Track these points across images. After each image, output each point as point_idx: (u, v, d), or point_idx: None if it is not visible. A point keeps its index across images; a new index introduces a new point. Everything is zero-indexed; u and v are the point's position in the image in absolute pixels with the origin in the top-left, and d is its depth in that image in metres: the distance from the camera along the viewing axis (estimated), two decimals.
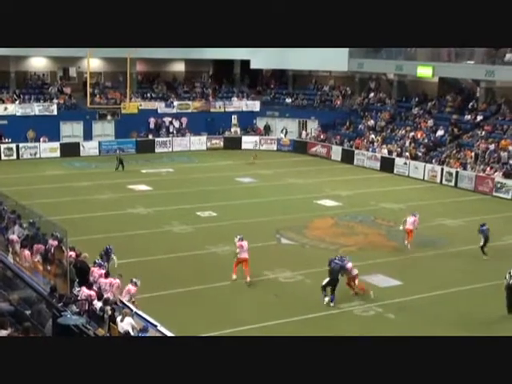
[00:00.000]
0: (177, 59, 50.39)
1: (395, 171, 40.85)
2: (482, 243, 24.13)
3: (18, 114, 43.78)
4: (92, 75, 45.47)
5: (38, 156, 42.98)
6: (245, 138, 48.91)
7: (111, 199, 32.38)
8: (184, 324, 17.19)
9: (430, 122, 43.93)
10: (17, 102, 44.40)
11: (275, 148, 48.47)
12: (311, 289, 19.99)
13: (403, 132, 44.07)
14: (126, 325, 14.30)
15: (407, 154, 41.09)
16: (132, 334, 13.93)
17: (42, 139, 43.41)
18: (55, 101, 45.47)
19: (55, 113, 44.88)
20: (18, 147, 42.50)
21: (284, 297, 20.21)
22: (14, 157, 42.37)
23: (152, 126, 47.56)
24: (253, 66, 49.67)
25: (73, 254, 17.89)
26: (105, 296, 15.86)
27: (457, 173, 37.49)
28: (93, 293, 15.81)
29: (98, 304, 15.30)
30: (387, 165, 41.38)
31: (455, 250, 25.25)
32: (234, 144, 48.28)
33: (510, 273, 19.02)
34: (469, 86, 45.73)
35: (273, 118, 50.44)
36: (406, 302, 20.04)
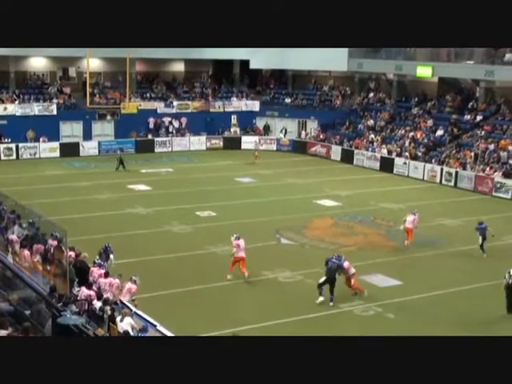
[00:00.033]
0: (176, 59, 50.39)
1: (395, 171, 40.86)
2: (480, 241, 24.22)
3: (17, 113, 43.78)
4: (91, 75, 45.47)
5: (37, 156, 42.98)
6: (244, 138, 48.89)
7: (111, 199, 32.38)
8: (183, 324, 17.20)
9: (430, 122, 43.95)
10: (16, 101, 44.40)
11: (275, 148, 48.47)
12: (311, 289, 19.98)
13: (403, 132, 44.08)
14: (125, 325, 14.30)
15: (407, 153, 41.10)
16: (131, 333, 13.93)
17: (41, 139, 43.41)
18: (55, 101, 45.47)
19: (55, 113, 44.88)
20: (17, 147, 42.50)
21: (284, 297, 20.21)
22: (14, 157, 42.38)
23: (151, 125, 47.57)
24: (252, 65, 49.68)
25: (72, 253, 17.89)
26: (104, 296, 15.87)
27: (456, 173, 37.50)
28: (92, 293, 15.81)
29: (97, 304, 15.31)
30: (387, 165, 41.39)
31: (455, 250, 25.26)
32: (233, 144, 48.29)
33: (509, 272, 19.02)
34: (468, 85, 45.74)
35: (272, 118, 50.44)
36: (406, 302, 20.05)
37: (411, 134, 43.29)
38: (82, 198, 32.02)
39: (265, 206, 31.77)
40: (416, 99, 46.65)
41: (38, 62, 47.28)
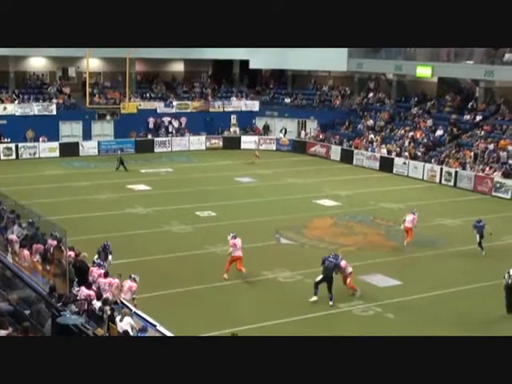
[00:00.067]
0: (176, 59, 50.38)
1: (394, 171, 40.87)
2: (478, 239, 24.32)
3: (17, 113, 43.78)
4: (91, 75, 45.46)
5: (37, 156, 42.98)
6: (244, 138, 48.91)
7: (110, 199, 32.38)
8: (183, 324, 17.20)
9: (429, 122, 43.95)
10: (16, 101, 44.39)
11: (274, 148, 48.49)
12: (310, 289, 19.95)
13: (402, 132, 44.09)
14: (125, 325, 14.30)
15: (406, 153, 41.11)
16: (131, 333, 13.93)
17: (41, 139, 43.41)
18: (54, 101, 45.46)
19: (54, 113, 44.88)
20: (17, 147, 42.51)
21: (283, 297, 20.22)
22: (14, 157, 42.38)
23: (151, 125, 47.57)
24: (252, 65, 49.68)
25: (72, 253, 17.90)
26: (104, 296, 15.88)
27: (456, 173, 37.51)
28: (92, 292, 15.81)
29: (97, 304, 15.31)
30: (386, 164, 41.40)
31: (454, 250, 25.27)
32: (233, 144, 48.29)
33: (508, 272, 19.03)
34: (468, 85, 45.75)
35: (272, 118, 50.45)
36: (406, 302, 20.05)
37: (411, 133, 43.30)
38: (81, 198, 32.03)
39: (264, 205, 31.77)
40: (416, 99, 46.66)
41: (37, 61, 47.28)
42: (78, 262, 17.76)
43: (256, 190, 35.39)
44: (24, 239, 19.04)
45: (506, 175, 35.57)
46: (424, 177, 39.14)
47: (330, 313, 19.10)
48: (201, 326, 17.16)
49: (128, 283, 17.12)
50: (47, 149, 43.37)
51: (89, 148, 44.70)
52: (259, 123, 50.38)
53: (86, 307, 14.80)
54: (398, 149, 41.95)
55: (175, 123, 48.21)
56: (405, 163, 40.60)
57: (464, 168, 37.69)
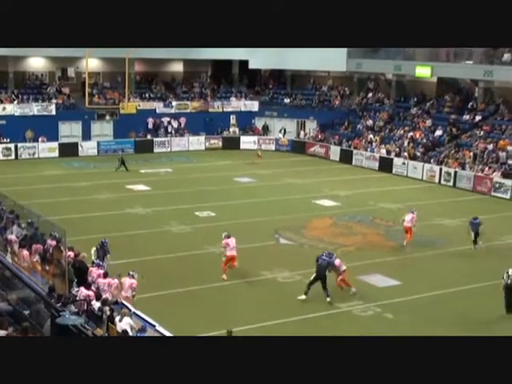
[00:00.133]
0: (175, 59, 50.38)
1: (394, 171, 40.88)
2: (472, 237, 24.48)
3: (16, 113, 43.78)
4: (90, 75, 45.40)
5: (36, 156, 42.97)
6: (243, 138, 48.93)
7: (110, 199, 32.38)
8: (183, 324, 17.20)
9: (429, 122, 43.97)
10: (15, 101, 44.39)
11: (274, 148, 48.50)
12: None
13: (402, 132, 44.10)
14: (124, 325, 14.30)
15: (406, 153, 41.13)
16: (130, 333, 13.92)
17: (40, 139, 43.40)
18: (54, 101, 45.47)
19: (54, 113, 44.88)
20: (16, 147, 42.52)
21: (283, 297, 20.22)
22: (13, 157, 42.39)
23: (150, 126, 47.57)
24: (251, 66, 49.70)
25: (71, 253, 17.90)
26: (103, 296, 15.88)
27: (455, 173, 37.52)
28: (91, 293, 15.81)
29: (96, 304, 15.31)
30: (386, 165, 41.42)
31: (454, 250, 25.27)
32: (232, 144, 48.30)
33: (507, 273, 19.05)
34: (467, 85, 45.77)
35: (271, 118, 50.47)
36: (405, 302, 20.05)
37: (410, 134, 43.31)
38: (80, 198, 32.02)
39: (264, 206, 31.77)
40: (415, 99, 46.68)
41: (36, 62, 47.27)
42: (77, 262, 17.76)
43: (255, 190, 35.39)
44: (23, 239, 19.04)
45: (505, 175, 35.59)
46: (423, 177, 39.15)
47: (330, 313, 19.11)
48: (200, 326, 17.16)
49: (128, 280, 17.24)
50: (46, 149, 43.37)
51: (88, 148, 44.70)
52: (258, 123, 50.39)
53: (85, 307, 14.80)
54: (398, 149, 41.97)
55: (174, 123, 48.21)
56: (404, 163, 40.61)
57: (463, 168, 37.71)
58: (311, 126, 49.46)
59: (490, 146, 38.32)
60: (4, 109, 43.42)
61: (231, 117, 49.91)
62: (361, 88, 50.59)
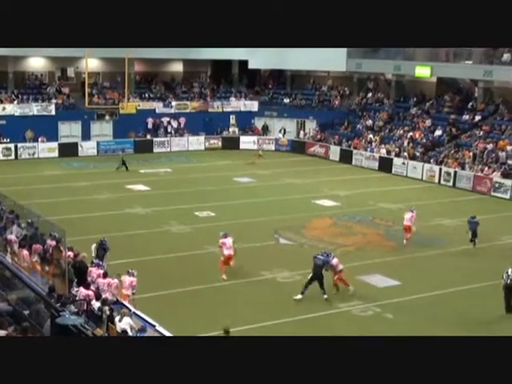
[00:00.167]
0: (175, 59, 50.38)
1: (393, 171, 40.88)
2: (470, 236, 24.60)
3: (16, 114, 43.77)
4: (90, 75, 45.38)
5: (36, 156, 42.96)
6: (243, 138, 48.93)
7: (109, 199, 32.38)
8: (182, 324, 17.19)
9: (428, 122, 43.97)
10: (15, 102, 44.38)
11: (273, 148, 48.49)
12: (310, 289, 19.96)
13: (401, 132, 44.10)
14: (124, 325, 14.31)
15: (405, 153, 41.13)
16: (130, 333, 13.92)
17: (40, 139, 43.39)
18: (53, 101, 45.45)
19: (53, 113, 44.87)
20: (16, 147, 42.51)
21: (282, 297, 20.22)
22: (13, 157, 42.38)
23: (150, 126, 47.56)
24: (251, 66, 49.69)
25: (71, 253, 17.90)
26: (103, 296, 15.88)
27: (455, 173, 37.52)
28: (91, 293, 15.81)
29: (96, 304, 15.31)
30: (385, 165, 41.42)
31: (453, 250, 25.27)
32: (232, 144, 48.29)
33: (507, 273, 19.06)
34: (467, 86, 45.76)
35: (271, 118, 50.46)
36: (405, 302, 20.05)
37: (410, 134, 43.31)
38: (80, 198, 32.02)
39: (263, 205, 31.77)
40: (414, 99, 46.68)
41: (36, 62, 47.26)
42: (77, 262, 17.77)
43: (255, 190, 35.39)
44: (23, 239, 19.04)
45: (504, 175, 35.59)
46: (423, 177, 39.15)
47: (329, 313, 19.11)
48: (200, 326, 17.15)
49: (127, 278, 17.29)
50: (46, 149, 43.36)
51: (88, 148, 44.69)
52: (258, 123, 50.38)
53: (85, 307, 14.80)
54: (397, 149, 41.97)
55: (174, 123, 48.21)
56: (404, 163, 40.61)
57: (463, 168, 37.71)
58: (311, 125, 49.46)
59: (490, 146, 38.32)
60: (4, 109, 43.41)
61: (231, 117, 49.91)
62: (360, 88, 50.59)
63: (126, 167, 39.13)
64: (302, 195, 33.92)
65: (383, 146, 42.96)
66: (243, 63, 49.90)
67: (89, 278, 17.20)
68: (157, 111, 48.04)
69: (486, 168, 36.67)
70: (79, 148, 44.42)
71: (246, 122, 50.16)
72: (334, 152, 45.19)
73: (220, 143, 48.60)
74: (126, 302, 16.64)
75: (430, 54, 43.48)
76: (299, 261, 23.31)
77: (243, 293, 20.59)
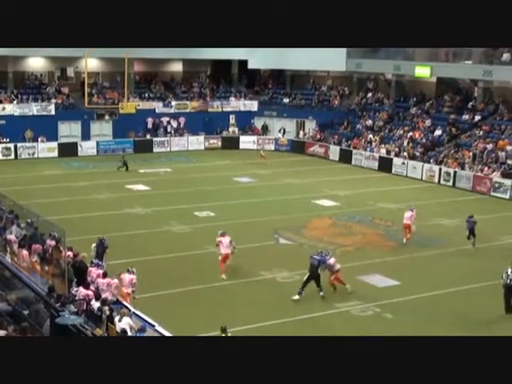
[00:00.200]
0: (175, 59, 50.37)
1: (393, 171, 40.88)
2: (467, 233, 24.68)
3: (15, 113, 43.75)
4: (90, 75, 45.38)
5: (35, 156, 42.95)
6: (243, 138, 48.92)
7: (109, 199, 32.37)
8: (182, 324, 17.19)
9: (428, 122, 43.96)
10: (15, 101, 44.37)
11: (273, 148, 48.48)
12: (309, 289, 19.97)
13: (401, 132, 44.10)
14: (124, 325, 14.31)
15: (405, 153, 41.12)
16: (129, 333, 13.92)
17: (39, 139, 43.39)
18: (53, 101, 45.44)
19: (53, 113, 44.85)
20: (15, 147, 42.51)
21: (282, 297, 20.21)
22: (12, 157, 42.37)
23: (150, 125, 47.56)
24: (250, 65, 49.68)
25: (71, 253, 17.89)
26: (103, 296, 15.87)
27: (455, 173, 37.52)
28: (90, 293, 15.81)
29: (95, 304, 15.31)
30: (385, 165, 41.41)
31: (453, 250, 25.27)
32: (231, 144, 48.29)
33: (506, 272, 19.06)
34: (467, 85, 45.77)
35: (271, 118, 50.45)
36: (404, 302, 20.05)
37: (409, 133, 43.31)
38: (80, 198, 32.01)
39: (263, 205, 31.76)
40: (414, 99, 46.69)
41: (36, 62, 47.25)
42: (76, 262, 17.76)
43: (255, 190, 35.38)
44: (23, 239, 19.03)
45: (504, 175, 35.58)
46: (423, 177, 39.15)
47: (329, 313, 19.11)
48: (200, 326, 17.15)
49: (127, 276, 17.33)
50: (46, 149, 43.35)
51: (87, 148, 44.69)
52: (258, 123, 50.38)
53: (84, 307, 14.80)
54: (397, 149, 41.97)
55: (174, 123, 48.20)
56: (403, 163, 40.61)
57: (463, 168, 37.71)
58: (310, 125, 49.45)
59: (490, 146, 38.32)
60: (3, 109, 43.40)
61: (230, 117, 49.90)
62: (360, 88, 50.58)
63: (127, 167, 39.15)
64: (302, 195, 33.91)
65: (383, 145, 42.96)
66: (243, 63, 49.89)
67: (88, 278, 17.20)
68: (156, 111, 48.03)
69: (486, 168, 36.67)
70: (79, 148, 44.41)
71: (245, 122, 50.15)
72: (334, 152, 45.19)
73: (220, 143, 48.59)
74: (125, 302, 16.64)
75: (430, 54, 43.48)
76: (299, 261, 23.30)
77: (243, 293, 20.59)
